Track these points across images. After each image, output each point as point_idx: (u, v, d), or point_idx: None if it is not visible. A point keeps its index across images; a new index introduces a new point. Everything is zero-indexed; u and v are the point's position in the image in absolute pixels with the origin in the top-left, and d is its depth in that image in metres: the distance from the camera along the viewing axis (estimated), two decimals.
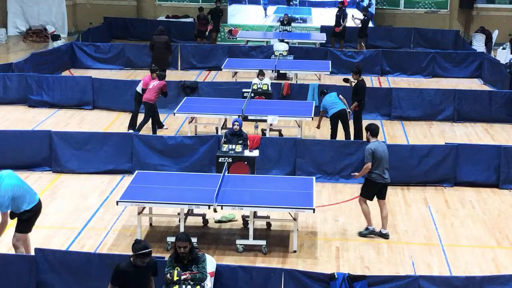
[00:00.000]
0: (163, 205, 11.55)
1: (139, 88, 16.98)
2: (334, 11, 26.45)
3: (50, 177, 14.37)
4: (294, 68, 21.03)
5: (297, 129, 16.54)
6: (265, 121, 15.76)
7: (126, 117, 17.76)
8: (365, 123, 13.84)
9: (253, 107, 16.26)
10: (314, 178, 12.53)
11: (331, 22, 26.21)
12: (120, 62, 23.51)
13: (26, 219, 10.11)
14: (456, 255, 11.52)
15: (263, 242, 11.46)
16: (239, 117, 15.09)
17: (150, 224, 12.23)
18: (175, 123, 17.79)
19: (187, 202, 11.18)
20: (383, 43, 26.54)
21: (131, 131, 16.22)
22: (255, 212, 11.56)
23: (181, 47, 23.66)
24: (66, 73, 22.29)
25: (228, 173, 12.52)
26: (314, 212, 11.11)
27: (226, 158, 13.21)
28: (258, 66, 19.28)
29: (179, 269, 8.87)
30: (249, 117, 15.73)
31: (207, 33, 25.99)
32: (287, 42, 23.72)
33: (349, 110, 15.87)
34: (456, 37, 26.66)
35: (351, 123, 16.01)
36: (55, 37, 26.82)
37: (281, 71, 21.00)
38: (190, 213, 12.05)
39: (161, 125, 17.30)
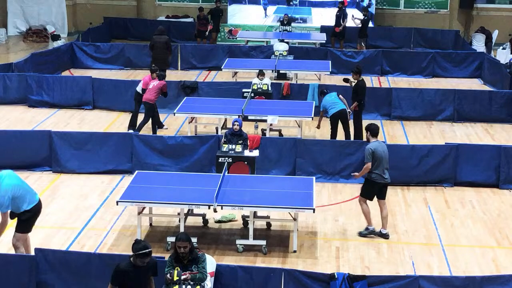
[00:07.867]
0: (163, 205, 11.55)
1: (139, 88, 16.98)
2: (334, 11, 26.45)
3: (50, 177, 14.37)
4: (294, 68, 21.02)
5: (297, 129, 16.53)
6: (265, 121, 15.75)
7: (126, 117, 17.76)
8: (365, 123, 13.83)
9: (253, 107, 16.26)
10: (314, 178, 12.53)
11: (331, 22, 26.21)
12: (120, 62, 23.50)
13: (26, 219, 10.11)
14: (456, 255, 11.52)
15: (263, 242, 11.45)
16: (239, 117, 15.09)
17: (150, 224, 12.23)
18: (175, 123, 17.79)
19: (187, 202, 11.17)
20: (383, 43, 26.54)
21: (131, 131, 16.21)
22: (255, 212, 11.56)
23: (181, 47, 23.66)
24: (66, 73, 22.29)
25: (228, 173, 12.52)
26: (314, 212, 11.11)
27: (226, 158, 13.21)
28: (258, 66, 19.27)
29: (179, 269, 8.87)
30: (249, 117, 15.73)
31: (207, 33, 25.99)
32: (287, 42, 23.71)
33: (349, 110, 15.87)
34: (456, 37, 26.66)
35: (351, 123, 16.01)
36: (55, 37, 26.81)
37: (281, 71, 21.01)
38: (190, 213, 12.05)
39: (161, 125, 17.30)
